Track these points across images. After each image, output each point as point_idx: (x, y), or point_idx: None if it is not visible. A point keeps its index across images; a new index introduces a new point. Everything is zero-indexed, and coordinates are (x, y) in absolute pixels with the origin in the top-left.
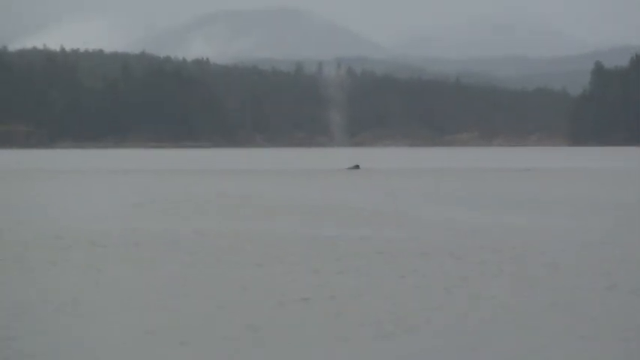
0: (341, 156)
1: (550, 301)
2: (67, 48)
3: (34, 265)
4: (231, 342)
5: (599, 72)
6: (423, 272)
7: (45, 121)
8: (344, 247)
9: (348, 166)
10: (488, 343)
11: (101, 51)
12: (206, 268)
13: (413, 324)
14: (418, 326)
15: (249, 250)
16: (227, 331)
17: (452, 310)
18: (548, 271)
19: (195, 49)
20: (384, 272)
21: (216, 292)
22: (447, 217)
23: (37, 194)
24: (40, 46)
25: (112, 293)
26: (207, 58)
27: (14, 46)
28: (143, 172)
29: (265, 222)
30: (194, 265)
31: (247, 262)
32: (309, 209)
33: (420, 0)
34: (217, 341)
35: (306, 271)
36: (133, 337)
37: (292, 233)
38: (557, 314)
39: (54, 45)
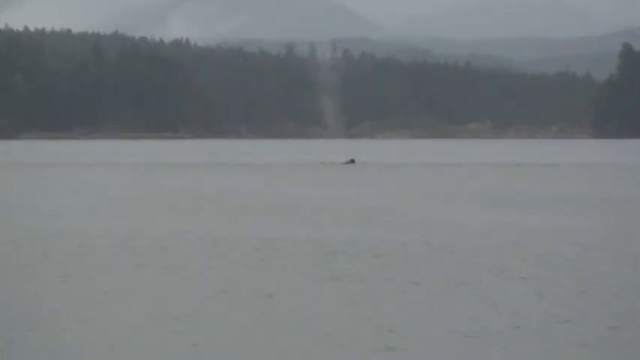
0: (335, 149)
1: (561, 312)
2: (32, 27)
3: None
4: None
5: (628, 54)
6: (424, 276)
7: (7, 109)
8: (331, 249)
9: (342, 160)
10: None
11: (69, 31)
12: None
13: (413, 334)
14: (427, 336)
15: (237, 252)
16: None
17: (458, 317)
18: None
19: (175, 29)
20: (383, 278)
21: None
22: (447, 216)
23: None
24: (1, 25)
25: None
26: (188, 39)
27: None
28: (115, 166)
29: (237, 222)
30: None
31: (232, 266)
32: (294, 208)
33: None
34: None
35: (294, 275)
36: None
37: (273, 235)
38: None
39: (16, 25)
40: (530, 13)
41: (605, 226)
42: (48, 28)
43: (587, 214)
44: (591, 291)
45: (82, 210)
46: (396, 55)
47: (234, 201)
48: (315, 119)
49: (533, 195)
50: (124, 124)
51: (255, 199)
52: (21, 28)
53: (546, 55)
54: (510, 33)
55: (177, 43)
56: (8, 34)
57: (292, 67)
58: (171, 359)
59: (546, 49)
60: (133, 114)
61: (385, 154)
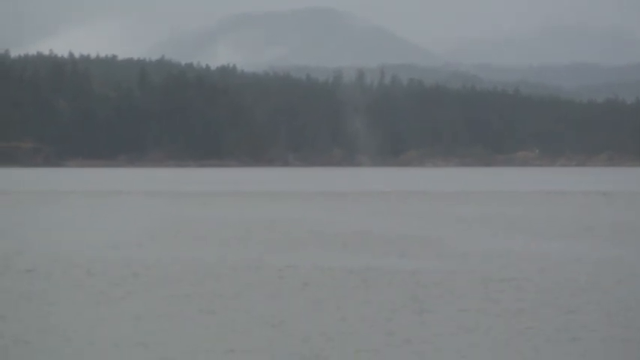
0: (379, 178)
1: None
2: (77, 54)
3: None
4: None
5: None
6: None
7: (52, 137)
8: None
9: (383, 188)
10: None
11: (114, 57)
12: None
13: None
14: None
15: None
16: None
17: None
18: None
19: (222, 55)
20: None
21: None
22: (497, 247)
23: (44, 218)
24: (45, 51)
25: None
26: (235, 65)
27: (17, 51)
28: (160, 195)
29: (286, 253)
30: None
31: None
32: (335, 237)
33: (474, 3)
34: None
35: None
36: None
37: (316, 264)
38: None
39: (62, 50)
40: (579, 40)
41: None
42: (93, 54)
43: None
44: None
45: (146, 239)
46: (444, 82)
47: (285, 229)
48: (364, 147)
49: (588, 224)
50: (168, 152)
51: (323, 228)
52: (66, 54)
53: (595, 82)
54: (559, 60)
55: (223, 70)
56: (53, 60)
57: (340, 94)
58: None
59: (595, 77)
60: (178, 141)
61: (433, 182)
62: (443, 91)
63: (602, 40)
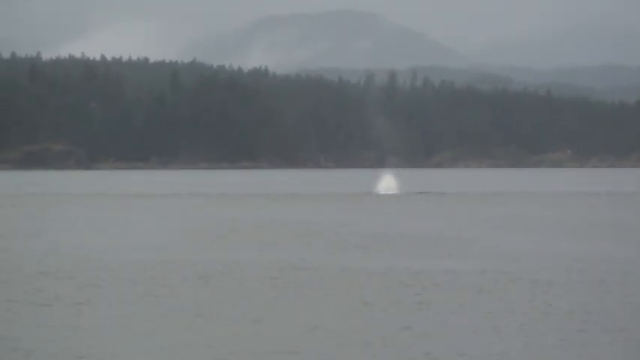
0: (413, 179)
1: None
2: (109, 56)
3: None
4: None
5: None
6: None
7: (84, 139)
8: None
9: (416, 190)
10: None
11: (146, 59)
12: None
13: None
14: None
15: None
16: None
17: None
18: None
19: (253, 57)
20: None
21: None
22: (530, 246)
23: (77, 221)
24: (77, 54)
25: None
26: (267, 68)
27: (49, 54)
28: (194, 197)
29: (300, 252)
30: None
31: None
32: (365, 237)
33: (504, 3)
34: None
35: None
36: None
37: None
38: None
39: (93, 53)
40: (610, 40)
41: None
42: (125, 57)
43: None
44: None
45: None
46: (476, 84)
47: (326, 231)
48: (396, 149)
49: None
50: (200, 154)
51: (350, 229)
52: (98, 57)
53: (626, 83)
54: (590, 61)
55: (255, 72)
56: (85, 62)
57: (372, 96)
58: None
59: (626, 77)
60: (210, 144)
61: (465, 184)
62: (474, 93)
63: (628, 40)
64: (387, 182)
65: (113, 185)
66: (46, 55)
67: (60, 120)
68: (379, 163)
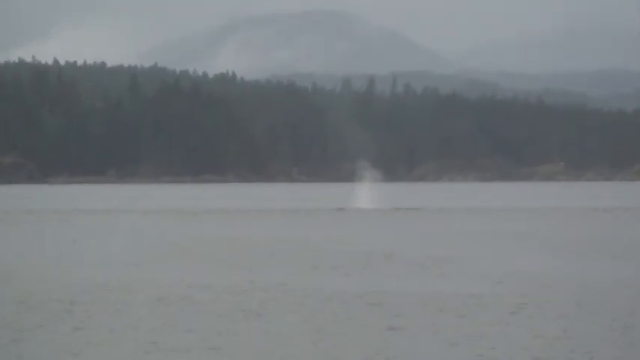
0: (388, 193)
1: None
2: (62, 60)
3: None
4: None
5: None
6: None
7: (35, 151)
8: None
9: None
10: None
11: (103, 64)
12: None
13: None
14: None
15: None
16: None
17: None
18: None
19: (220, 62)
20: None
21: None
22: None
23: (27, 239)
24: (27, 58)
25: None
26: (234, 73)
27: None
28: (155, 213)
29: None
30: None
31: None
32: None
33: (492, 3)
34: None
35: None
36: None
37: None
38: None
39: (45, 57)
40: (608, 43)
41: None
42: (80, 61)
43: None
44: None
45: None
46: (461, 90)
47: (303, 252)
48: (376, 161)
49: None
50: (162, 167)
51: (320, 248)
52: (50, 61)
53: (624, 89)
54: (585, 66)
55: (221, 78)
56: (36, 67)
57: (350, 104)
58: None
59: (624, 84)
60: (173, 155)
61: (446, 198)
62: (460, 100)
63: (627, 43)
64: (363, 197)
65: (66, 201)
66: None
67: (9, 130)
68: (356, 176)
